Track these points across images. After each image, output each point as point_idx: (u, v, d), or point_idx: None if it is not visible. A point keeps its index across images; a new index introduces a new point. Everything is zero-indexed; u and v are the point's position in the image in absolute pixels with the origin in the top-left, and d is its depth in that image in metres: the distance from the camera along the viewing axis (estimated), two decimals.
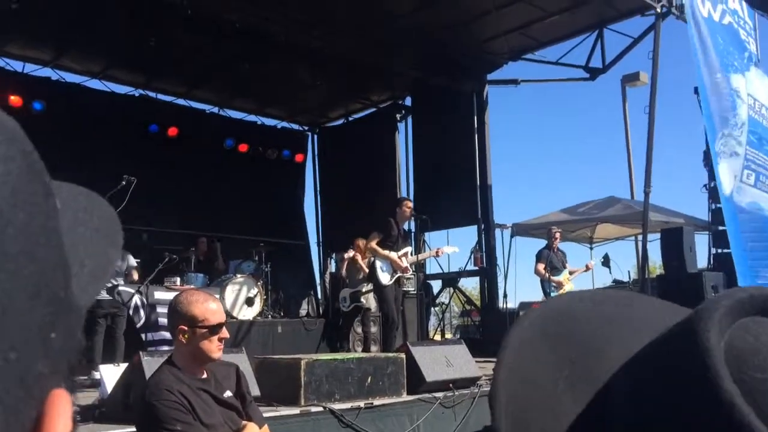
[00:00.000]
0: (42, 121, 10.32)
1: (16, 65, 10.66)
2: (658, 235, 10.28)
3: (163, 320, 7.25)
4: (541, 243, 9.87)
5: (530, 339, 0.49)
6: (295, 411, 4.53)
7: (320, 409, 4.64)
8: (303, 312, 10.96)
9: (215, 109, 13.05)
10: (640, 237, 11.10)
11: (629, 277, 11.76)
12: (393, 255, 7.09)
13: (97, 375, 5.45)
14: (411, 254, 7.45)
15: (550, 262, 9.12)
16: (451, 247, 8.46)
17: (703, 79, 8.70)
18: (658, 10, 9.14)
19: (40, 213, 0.32)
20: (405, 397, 5.24)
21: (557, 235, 9.40)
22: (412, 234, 8.87)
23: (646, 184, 9.78)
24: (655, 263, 16.29)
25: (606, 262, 11.16)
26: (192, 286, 8.34)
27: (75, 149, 10.09)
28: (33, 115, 10.30)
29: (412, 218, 7.98)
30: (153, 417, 2.35)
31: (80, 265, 0.35)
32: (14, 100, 10.16)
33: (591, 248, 13.38)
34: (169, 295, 7.51)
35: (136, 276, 7.57)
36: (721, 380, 0.38)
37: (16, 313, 0.29)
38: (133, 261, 7.62)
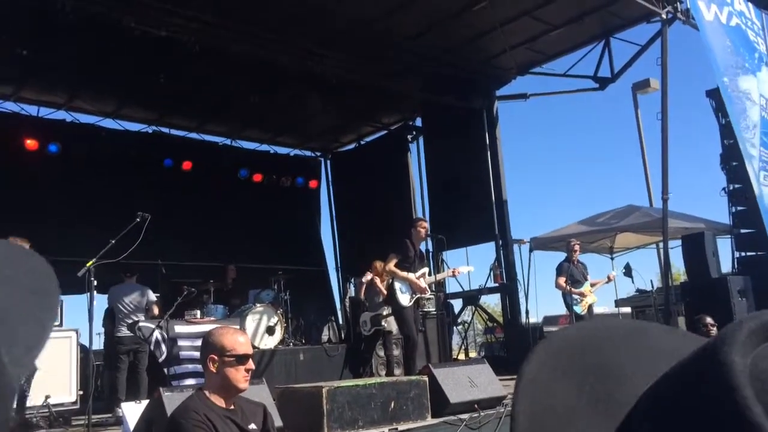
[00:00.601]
0: (58, 163, 10.50)
1: (31, 110, 10.87)
2: (680, 242, 10.16)
3: (185, 353, 7.26)
4: (561, 256, 9.78)
5: (547, 368, 0.48)
6: None
7: None
8: (324, 338, 10.92)
9: (228, 141, 13.18)
10: (661, 244, 10.95)
11: (652, 286, 11.59)
12: (411, 276, 7.05)
13: (120, 412, 5.44)
14: (429, 274, 7.40)
15: (571, 274, 9.01)
16: (467, 267, 8.43)
17: (723, 81, 8.64)
18: (664, 16, 9.12)
19: None
20: (430, 421, 5.17)
21: (576, 247, 9.29)
22: (430, 254, 8.83)
23: (663, 191, 9.68)
24: (679, 270, 16.07)
25: (628, 271, 11.03)
26: (212, 318, 8.36)
27: (91, 188, 10.24)
28: (49, 158, 10.48)
29: (428, 238, 7.95)
30: None
31: (12, 336, 0.33)
32: (30, 144, 10.35)
33: (612, 258, 13.23)
34: (190, 329, 7.53)
35: (156, 311, 7.60)
36: (747, 401, 0.38)
37: None
38: (152, 296, 7.65)
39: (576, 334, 0.53)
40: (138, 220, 5.82)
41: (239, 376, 2.64)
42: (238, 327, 8.30)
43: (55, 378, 6.88)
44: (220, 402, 2.65)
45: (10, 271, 0.36)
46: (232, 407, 2.69)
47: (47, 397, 6.61)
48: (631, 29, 10.28)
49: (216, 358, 2.64)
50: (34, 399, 6.55)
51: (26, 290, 0.36)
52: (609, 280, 9.66)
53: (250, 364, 2.69)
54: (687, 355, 0.44)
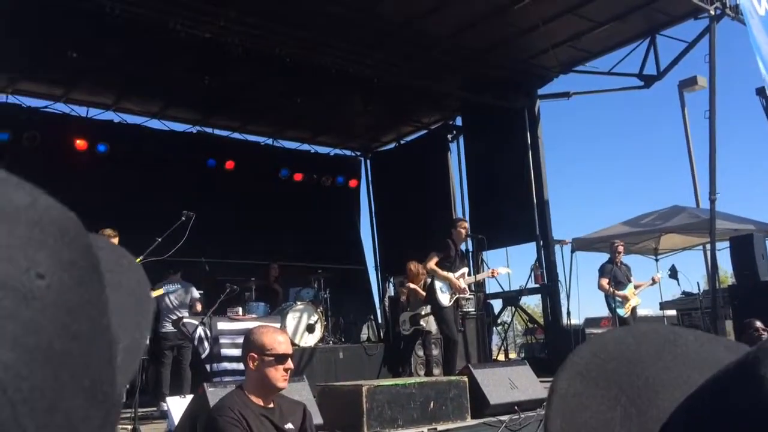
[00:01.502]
0: (106, 162, 10.78)
1: (81, 110, 11.18)
2: (727, 244, 9.90)
3: (226, 351, 7.38)
4: (604, 257, 9.61)
5: (579, 383, 0.48)
6: None
7: None
8: (363, 337, 10.97)
9: (269, 141, 13.34)
10: (708, 246, 10.69)
11: (699, 289, 11.31)
12: (451, 276, 7.03)
13: (165, 407, 5.56)
14: (468, 275, 7.37)
15: (615, 276, 8.86)
16: (505, 269, 8.39)
17: (766, 79, 8.39)
18: (712, 12, 8.90)
19: (98, 314, 0.32)
20: (469, 422, 5.15)
21: (620, 248, 9.12)
22: (470, 254, 8.79)
23: (711, 191, 9.45)
24: (726, 272, 15.66)
25: (673, 274, 10.79)
26: (254, 315, 8.47)
27: (137, 187, 10.48)
28: (98, 157, 10.77)
29: (469, 238, 7.92)
30: (213, 430, 2.54)
31: (116, 343, 0.34)
32: (80, 144, 10.65)
33: (656, 260, 12.95)
34: (232, 326, 7.65)
35: (199, 307, 7.74)
36: None
37: (76, 425, 0.29)
38: (196, 293, 7.80)
39: (608, 344, 0.51)
40: (183, 218, 5.94)
41: (278, 375, 2.67)
42: (278, 324, 8.41)
43: None
44: (258, 400, 2.67)
45: (112, 276, 0.37)
46: (271, 405, 2.71)
47: None
48: (677, 26, 10.05)
49: (255, 356, 2.67)
50: None
51: (126, 294, 0.37)
52: (654, 282, 9.46)
53: (289, 364, 2.71)
54: (723, 368, 0.43)
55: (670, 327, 0.55)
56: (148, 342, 6.48)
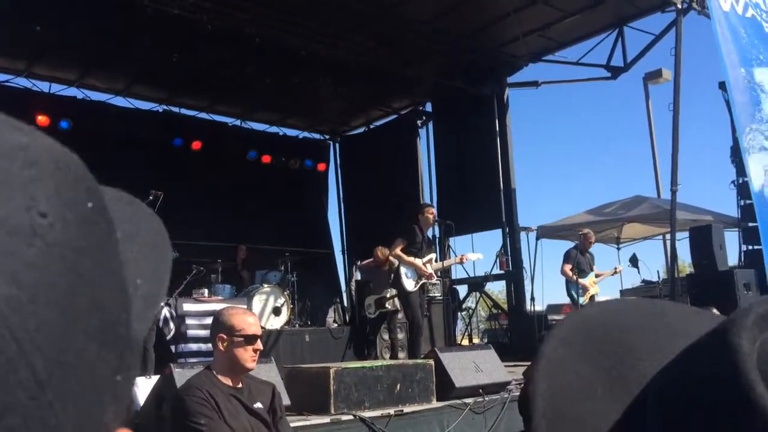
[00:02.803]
0: (69, 140, 9.89)
1: (43, 86, 10.91)
2: (687, 234, 10.15)
3: (192, 332, 7.34)
4: (568, 245, 9.77)
5: (565, 349, 0.50)
6: (326, 420, 4.54)
7: (350, 417, 4.65)
8: (329, 320, 10.99)
9: (237, 122, 13.19)
10: (668, 236, 10.95)
11: (658, 277, 11.59)
12: (418, 262, 7.09)
13: None
14: (435, 260, 7.43)
15: (578, 264, 9.02)
16: (475, 254, 8.43)
17: (728, 74, 8.59)
18: (679, 5, 9.05)
19: (106, 255, 0.31)
20: (435, 404, 5.23)
21: (592, 239, 9.27)
22: (437, 240, 8.86)
23: (672, 182, 9.65)
24: (685, 262, 16.05)
25: (634, 262, 11.03)
26: (220, 297, 8.42)
27: (102, 166, 10.05)
28: (60, 134, 10.47)
29: (436, 224, 7.98)
30: (181, 410, 2.55)
31: (134, 289, 0.34)
32: (42, 120, 10.37)
33: (618, 249, 13.22)
34: (198, 307, 7.60)
35: None
36: (753, 384, 0.38)
37: (88, 366, 0.29)
38: None
39: (595, 313, 0.54)
40: (151, 198, 5.87)
41: (247, 356, 2.68)
42: (245, 306, 8.38)
43: None
44: (227, 380, 2.68)
45: (129, 227, 0.37)
46: (240, 386, 2.72)
47: None
48: (645, 18, 10.21)
49: (225, 337, 2.68)
50: None
51: (143, 243, 0.38)
52: (615, 272, 9.68)
53: (258, 345, 2.73)
54: (698, 338, 0.46)
55: (659, 300, 0.58)
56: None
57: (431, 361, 5.42)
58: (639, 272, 11.29)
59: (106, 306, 0.30)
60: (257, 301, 8.69)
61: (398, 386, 5.08)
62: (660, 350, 0.48)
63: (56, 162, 0.31)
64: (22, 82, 10.68)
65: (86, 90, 11.30)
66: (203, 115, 12.68)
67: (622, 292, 13.38)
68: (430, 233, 7.92)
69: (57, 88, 11.05)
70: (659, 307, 0.54)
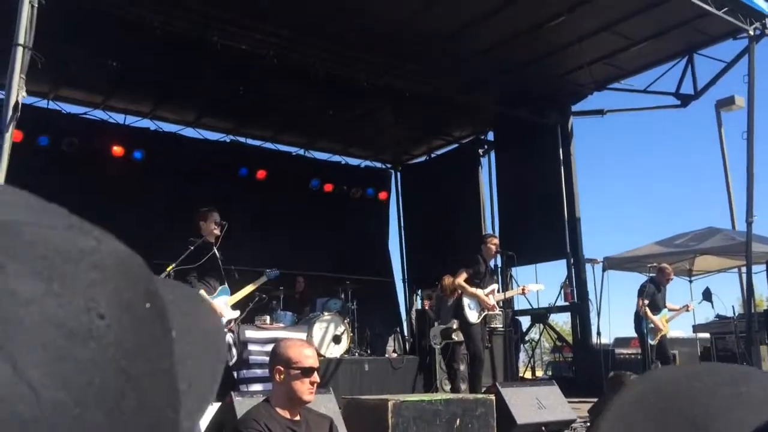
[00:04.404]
0: (142, 169, 10.97)
1: (118, 117, 11.41)
2: (764, 267, 9.69)
3: (255, 358, 7.42)
4: (636, 277, 9.45)
5: (634, 409, 0.46)
6: None
7: None
8: (389, 349, 10.93)
9: (301, 151, 13.44)
10: (744, 269, 10.46)
11: (733, 312, 11.06)
12: (480, 292, 6.99)
13: None
14: (498, 291, 7.32)
15: (653, 299, 8.70)
16: (537, 285, 8.26)
17: None
18: (751, 32, 8.76)
19: (159, 355, 0.32)
20: None
21: (671, 275, 8.96)
22: (499, 270, 8.74)
23: (748, 213, 9.27)
24: (762, 296, 15.30)
25: (707, 296, 10.57)
26: (281, 324, 8.51)
27: (172, 194, 10.63)
28: (134, 164, 10.97)
29: (498, 254, 7.88)
30: None
31: (188, 385, 0.34)
32: (117, 150, 10.86)
33: (690, 281, 12.71)
34: (260, 334, 7.69)
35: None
36: None
37: None
38: None
39: (659, 384, 0.50)
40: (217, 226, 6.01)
41: (304, 388, 2.67)
42: (305, 334, 8.43)
43: None
44: (285, 413, 2.68)
45: (188, 320, 0.37)
46: (297, 418, 2.71)
47: None
48: (716, 45, 9.91)
49: (282, 369, 2.69)
50: None
51: (201, 341, 0.37)
52: (687, 309, 9.30)
53: (315, 377, 2.72)
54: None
55: (734, 366, 0.53)
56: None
57: (492, 396, 5.30)
58: (713, 307, 10.82)
59: (155, 407, 0.30)
60: (317, 329, 8.73)
61: (458, 421, 4.98)
62: (730, 425, 0.44)
63: (120, 264, 0.32)
64: (99, 114, 11.23)
65: (158, 121, 11.78)
66: (268, 145, 12.99)
67: (694, 327, 12.84)
68: (492, 264, 7.82)
69: (131, 120, 11.56)
70: (733, 375, 0.50)
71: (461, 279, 7.02)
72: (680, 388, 0.48)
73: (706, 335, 12.47)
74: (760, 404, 0.45)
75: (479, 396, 5.45)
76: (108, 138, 10.91)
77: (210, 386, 0.36)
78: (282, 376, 2.69)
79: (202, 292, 5.65)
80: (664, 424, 0.46)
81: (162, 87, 10.62)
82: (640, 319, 8.64)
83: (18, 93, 4.11)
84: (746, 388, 0.47)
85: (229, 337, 7.45)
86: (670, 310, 8.93)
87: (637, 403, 0.47)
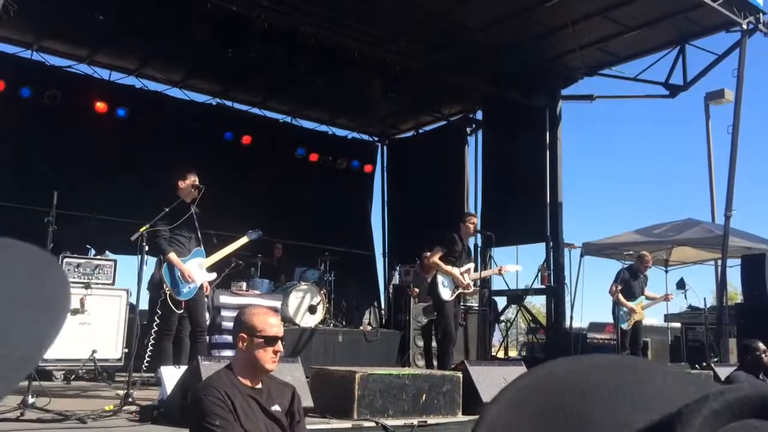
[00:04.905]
0: (125, 127, 10.83)
1: (103, 73, 11.22)
2: (739, 261, 9.80)
3: (228, 324, 7.42)
4: (612, 263, 9.53)
5: (511, 415, 0.45)
6: (347, 425, 4.52)
7: (372, 424, 4.62)
8: (365, 322, 10.99)
9: (288, 119, 13.32)
10: (719, 262, 10.59)
11: (705, 304, 11.22)
12: (455, 271, 7.01)
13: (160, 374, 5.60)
14: (473, 271, 7.35)
15: (628, 286, 8.80)
16: (515, 266, 8.31)
17: None
18: (744, 26, 8.75)
19: None
20: (460, 417, 5.15)
21: (649, 263, 9.04)
22: (478, 249, 8.76)
23: (727, 207, 9.36)
24: (736, 290, 15.50)
25: (681, 286, 10.72)
26: (257, 292, 8.51)
27: (154, 154, 10.51)
28: (117, 121, 10.81)
29: (477, 234, 7.90)
30: (198, 410, 2.52)
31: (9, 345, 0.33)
32: (100, 106, 10.69)
33: (666, 271, 12.86)
34: (235, 300, 7.69)
35: None
36: None
37: None
38: None
39: (553, 376, 0.48)
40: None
41: (267, 357, 2.64)
42: (280, 303, 8.45)
43: (103, 334, 7.15)
44: (246, 380, 2.64)
45: (27, 282, 0.35)
46: (259, 386, 2.68)
47: (94, 351, 6.87)
48: (708, 37, 9.89)
49: (246, 337, 2.65)
50: (80, 352, 6.82)
51: (39, 307, 0.36)
52: (666, 299, 9.42)
53: (279, 347, 2.68)
54: (649, 423, 0.41)
55: (632, 361, 0.51)
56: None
57: (459, 374, 5.35)
58: (686, 297, 10.99)
59: None
60: (293, 297, 8.76)
61: (424, 396, 5.03)
62: (615, 425, 0.43)
63: None
64: (84, 68, 11.01)
65: (144, 80, 11.59)
66: (255, 111, 12.85)
67: (666, 316, 13.03)
68: (471, 243, 7.84)
69: (117, 77, 11.36)
70: (627, 372, 0.48)
71: (436, 257, 7.04)
72: (571, 385, 0.47)
73: (677, 325, 12.66)
74: (640, 404, 0.44)
75: (447, 373, 5.50)
76: (92, 93, 10.73)
77: (33, 354, 0.34)
78: (245, 344, 2.65)
79: (172, 254, 5.60)
80: (549, 427, 0.45)
81: (150, 45, 10.43)
82: (616, 305, 8.75)
83: None
84: (632, 387, 0.46)
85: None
86: (648, 298, 9.04)
87: (521, 401, 0.45)
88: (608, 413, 0.45)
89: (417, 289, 9.20)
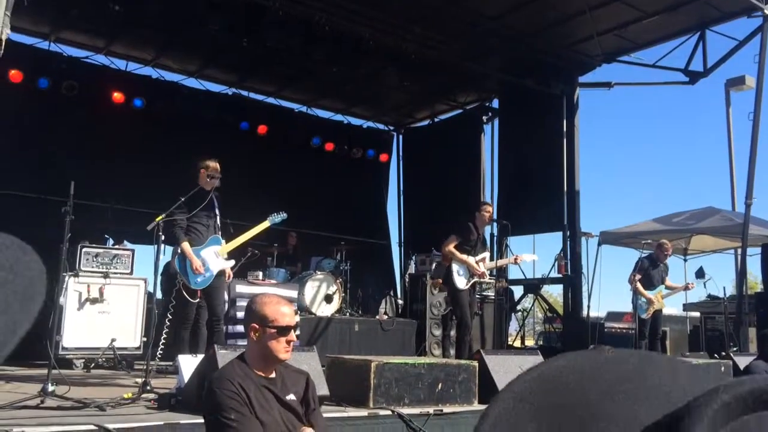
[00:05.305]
0: (141, 117, 10.89)
1: (120, 63, 11.26)
2: (759, 250, 9.68)
3: (243, 314, 7.47)
4: (631, 252, 9.45)
5: (519, 407, 0.44)
6: (363, 413, 4.54)
7: (388, 412, 4.62)
8: (382, 311, 11.00)
9: (303, 108, 13.31)
10: (739, 251, 10.46)
11: (724, 293, 11.09)
12: (470, 260, 6.99)
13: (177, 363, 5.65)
14: (489, 259, 7.32)
15: (648, 275, 8.73)
16: (531, 256, 8.25)
17: None
18: (766, 11, 8.58)
19: None
20: (476, 406, 5.15)
21: (669, 251, 8.96)
22: (494, 238, 8.73)
23: (747, 195, 9.23)
24: (756, 279, 15.33)
25: (700, 274, 10.61)
26: (273, 281, 8.55)
27: (171, 144, 10.58)
28: (134, 111, 10.87)
29: (493, 223, 7.86)
30: (212, 403, 2.47)
31: None
32: (117, 96, 10.77)
33: (685, 260, 12.73)
34: (251, 289, 7.73)
35: None
36: None
37: None
38: None
39: (559, 371, 0.48)
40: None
41: (280, 347, 2.58)
42: (296, 292, 8.48)
43: (122, 323, 7.23)
44: (259, 370, 2.59)
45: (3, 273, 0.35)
46: (273, 376, 2.63)
47: (113, 340, 6.95)
48: (729, 23, 9.71)
49: (258, 327, 2.59)
50: (100, 340, 6.90)
51: (11, 295, 0.36)
52: (687, 288, 9.35)
53: (292, 336, 2.62)
54: (655, 422, 0.40)
55: (638, 356, 0.50)
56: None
57: (475, 363, 5.34)
58: (705, 286, 10.88)
59: None
60: (310, 287, 8.79)
61: (440, 385, 5.03)
62: (622, 419, 0.42)
63: None
64: (101, 59, 11.07)
65: (161, 70, 11.63)
66: (270, 100, 12.86)
67: (685, 305, 12.91)
68: (487, 232, 7.81)
69: (133, 67, 11.42)
70: (634, 367, 0.47)
71: (451, 246, 7.02)
72: (574, 379, 0.46)
73: (696, 314, 12.55)
74: (647, 399, 0.43)
75: (462, 362, 5.49)
76: (109, 84, 10.80)
77: (6, 341, 0.34)
78: (257, 335, 2.59)
79: (185, 244, 5.62)
80: (554, 419, 0.44)
81: (165, 35, 10.47)
82: (634, 294, 8.70)
83: (2, 30, 4.02)
84: (638, 383, 0.45)
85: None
86: (668, 287, 8.97)
87: (527, 394, 0.44)
88: (615, 407, 0.44)
89: (440, 280, 9.20)
